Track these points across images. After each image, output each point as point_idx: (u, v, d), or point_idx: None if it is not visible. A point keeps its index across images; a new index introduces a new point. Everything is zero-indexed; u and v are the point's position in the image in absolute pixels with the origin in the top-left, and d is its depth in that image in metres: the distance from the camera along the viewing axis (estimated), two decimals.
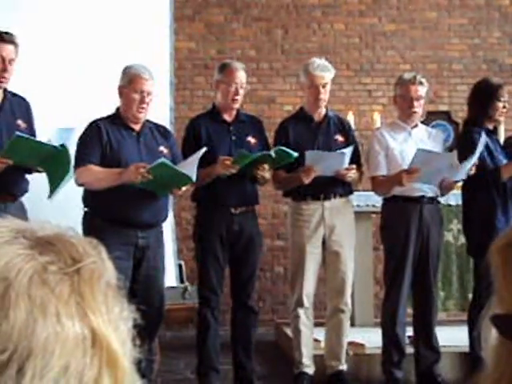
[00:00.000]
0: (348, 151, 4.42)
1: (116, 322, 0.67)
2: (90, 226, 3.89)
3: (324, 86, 4.53)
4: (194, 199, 4.56)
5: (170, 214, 4.89)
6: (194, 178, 3.96)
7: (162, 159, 3.90)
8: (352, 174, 4.44)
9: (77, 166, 3.93)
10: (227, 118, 4.50)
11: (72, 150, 3.91)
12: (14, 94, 4.04)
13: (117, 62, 4.53)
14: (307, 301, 4.51)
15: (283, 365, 5.06)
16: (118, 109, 4.15)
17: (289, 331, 5.02)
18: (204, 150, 4.06)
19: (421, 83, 4.54)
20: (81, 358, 0.62)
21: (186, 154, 4.20)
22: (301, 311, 4.52)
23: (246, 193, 4.44)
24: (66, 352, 0.61)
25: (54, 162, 3.77)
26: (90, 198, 4.06)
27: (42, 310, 0.61)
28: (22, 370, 0.58)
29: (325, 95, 4.55)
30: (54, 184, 3.81)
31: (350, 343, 4.75)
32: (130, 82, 4.06)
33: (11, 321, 0.59)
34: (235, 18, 6.96)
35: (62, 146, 3.74)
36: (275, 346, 5.79)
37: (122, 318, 0.69)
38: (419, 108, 4.58)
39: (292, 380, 4.56)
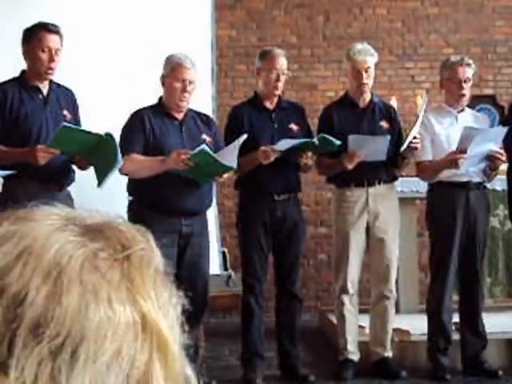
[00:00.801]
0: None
1: (165, 308, 0.68)
2: (135, 215, 3.93)
3: (366, 71, 4.49)
4: (237, 187, 4.57)
5: (214, 202, 4.90)
6: (234, 166, 3.97)
7: (203, 146, 3.92)
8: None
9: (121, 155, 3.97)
10: (269, 105, 4.49)
11: None
12: (60, 85, 4.09)
13: (158, 50, 4.55)
14: (352, 287, 4.50)
15: (328, 351, 5.05)
16: (160, 98, 4.17)
17: (333, 318, 5.01)
18: (244, 136, 4.06)
19: (468, 65, 4.48)
20: (132, 343, 0.63)
21: (229, 143, 4.20)
22: (345, 298, 4.50)
23: (288, 180, 4.43)
24: (118, 336, 0.62)
25: (100, 151, 3.79)
26: (135, 186, 4.10)
27: (94, 295, 0.62)
28: (75, 355, 0.59)
29: (368, 80, 4.51)
30: (102, 173, 3.84)
31: (395, 330, 4.73)
32: (172, 70, 4.07)
33: (64, 306, 0.60)
34: (276, 5, 6.92)
35: (108, 134, 3.77)
36: (319, 332, 5.79)
37: (171, 304, 0.69)
38: (467, 90, 4.51)
39: (337, 367, 4.56)
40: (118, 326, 0.62)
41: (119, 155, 3.77)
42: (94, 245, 0.66)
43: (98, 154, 3.81)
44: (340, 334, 4.56)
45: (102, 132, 3.77)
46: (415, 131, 4.35)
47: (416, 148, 4.37)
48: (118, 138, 3.98)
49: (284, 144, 4.23)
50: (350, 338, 4.52)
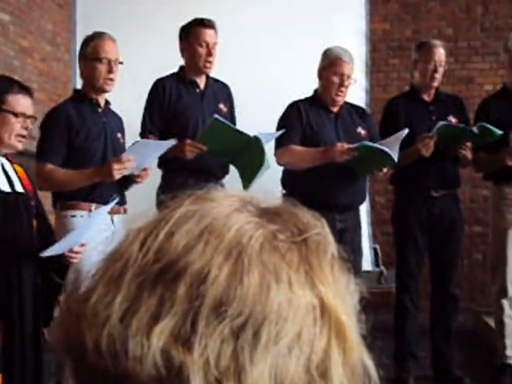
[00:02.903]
0: None
1: (343, 295, 0.66)
2: None
3: None
4: (393, 182, 4.48)
5: (366, 198, 4.85)
6: (395, 159, 3.86)
7: (365, 142, 3.87)
8: None
9: (279, 146, 3.99)
10: (426, 97, 4.37)
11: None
12: (216, 80, 4.17)
13: (313, 44, 4.55)
14: None
15: (483, 354, 4.87)
16: (315, 90, 4.16)
17: (489, 320, 4.82)
18: (406, 131, 3.94)
19: None
20: (311, 328, 0.61)
21: (384, 136, 4.13)
22: (505, 302, 4.30)
23: (447, 174, 4.29)
24: (298, 320, 0.60)
25: (246, 154, 3.80)
26: (289, 180, 4.09)
27: (275, 276, 0.61)
28: (257, 335, 0.58)
29: None
30: (248, 176, 3.84)
31: None
32: (331, 64, 4.03)
33: (245, 285, 0.59)
34: None
35: (256, 137, 3.74)
36: (473, 334, 5.60)
37: (349, 291, 0.68)
38: None
39: (493, 370, 4.38)
40: (298, 309, 0.61)
41: (267, 159, 3.74)
42: (272, 226, 0.65)
43: (243, 156, 3.81)
44: (498, 338, 4.37)
45: (251, 134, 3.75)
46: None
47: None
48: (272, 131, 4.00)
49: (441, 125, 4.08)
50: (510, 342, 4.32)
